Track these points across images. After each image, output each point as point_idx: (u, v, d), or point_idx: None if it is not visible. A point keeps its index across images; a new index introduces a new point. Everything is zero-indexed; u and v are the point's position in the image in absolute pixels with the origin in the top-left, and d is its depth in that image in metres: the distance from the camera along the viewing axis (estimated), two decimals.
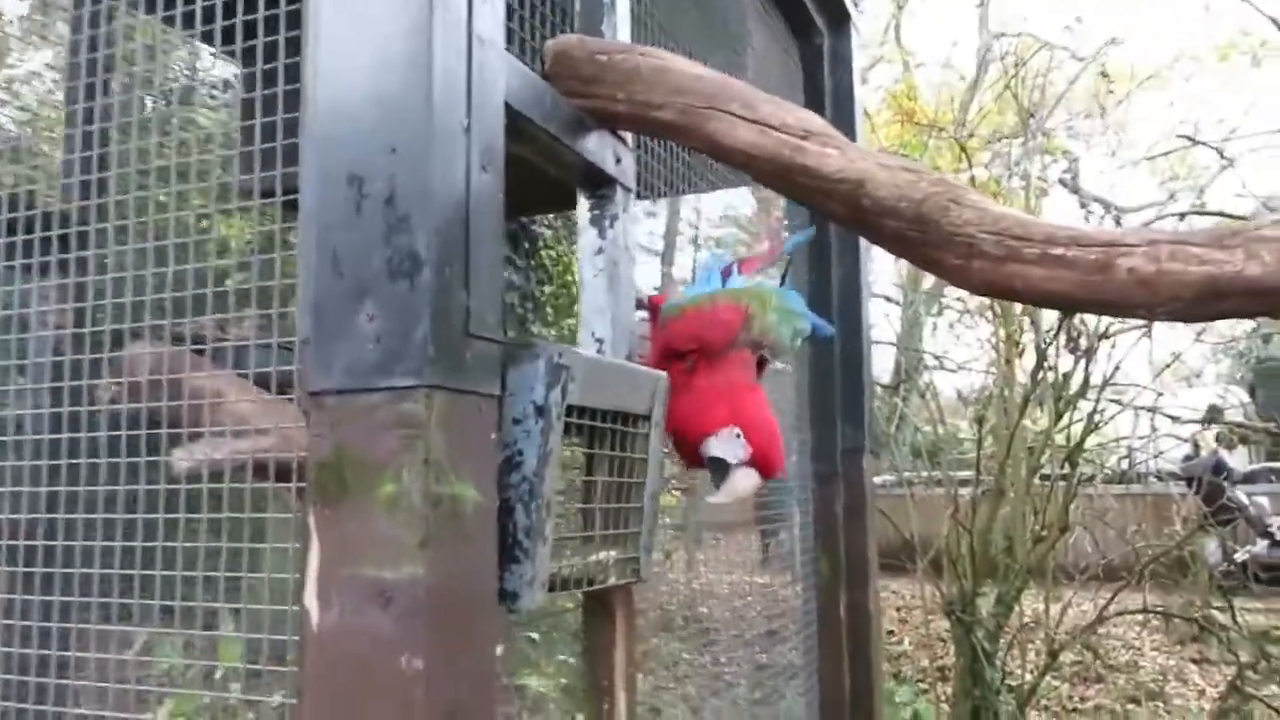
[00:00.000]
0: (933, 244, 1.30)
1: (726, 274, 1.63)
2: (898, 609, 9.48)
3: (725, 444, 1.40)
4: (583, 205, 1.47)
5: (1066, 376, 5.31)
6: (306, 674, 0.89)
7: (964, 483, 5.83)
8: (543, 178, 1.40)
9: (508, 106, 1.12)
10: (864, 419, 2.73)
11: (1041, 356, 5.33)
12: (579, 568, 1.20)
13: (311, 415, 0.92)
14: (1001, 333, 5.43)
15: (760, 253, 1.74)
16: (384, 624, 0.87)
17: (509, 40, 1.33)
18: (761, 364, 1.63)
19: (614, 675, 1.38)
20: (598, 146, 1.40)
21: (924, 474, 6.78)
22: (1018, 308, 5.88)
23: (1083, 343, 5.31)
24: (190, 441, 1.53)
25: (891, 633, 9.26)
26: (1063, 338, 5.36)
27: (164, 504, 1.36)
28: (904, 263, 7.47)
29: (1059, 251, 1.26)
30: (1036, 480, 5.38)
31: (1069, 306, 1.33)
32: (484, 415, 0.97)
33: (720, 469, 1.42)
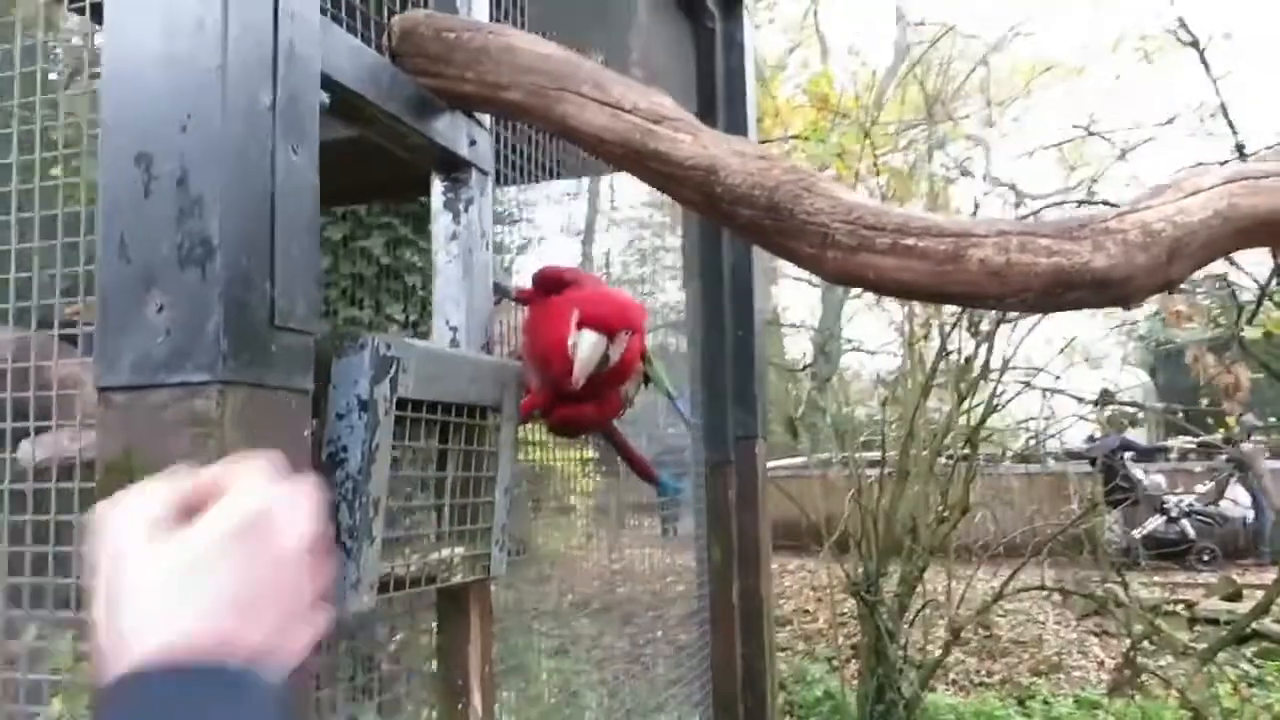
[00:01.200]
0: (787, 233, 1.29)
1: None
2: (814, 588, 9.62)
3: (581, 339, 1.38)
4: (436, 189, 1.41)
5: (969, 360, 5.42)
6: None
7: (874, 464, 5.93)
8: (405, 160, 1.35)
9: (333, 84, 1.06)
10: (756, 404, 2.74)
11: (944, 339, 5.43)
12: (419, 566, 1.16)
13: (99, 413, 0.86)
14: (906, 316, 5.52)
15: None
16: None
17: (350, 15, 1.27)
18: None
19: (469, 675, 1.35)
20: (449, 128, 1.35)
21: (839, 456, 6.87)
22: None
23: (984, 326, 5.43)
24: (40, 434, 1.44)
25: (807, 612, 9.40)
26: (965, 320, 5.47)
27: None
28: None
29: (911, 242, 1.26)
30: (941, 461, 5.50)
31: (922, 297, 1.32)
32: (295, 412, 0.92)
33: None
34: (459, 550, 1.24)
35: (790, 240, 1.29)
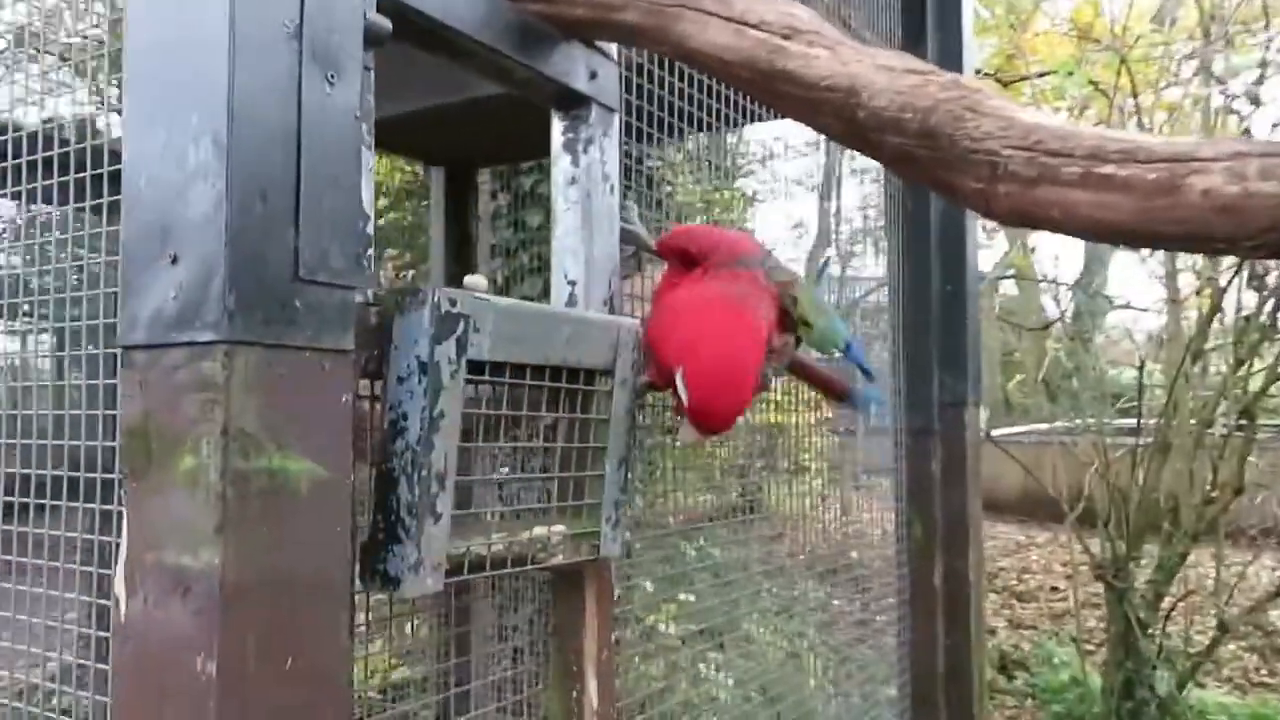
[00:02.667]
0: (946, 164, 1.06)
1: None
2: (1064, 564, 8.91)
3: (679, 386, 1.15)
4: (555, 128, 1.29)
5: (1248, 318, 4.70)
6: (113, 671, 0.79)
7: (1128, 432, 5.30)
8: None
9: (400, 7, 0.95)
10: (967, 368, 2.44)
11: (1218, 295, 4.73)
12: (506, 546, 1.05)
13: (121, 373, 0.80)
14: (1166, 267, 4.86)
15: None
16: (183, 619, 0.75)
17: None
18: (784, 317, 1.38)
19: (583, 660, 1.24)
20: (563, 60, 1.22)
21: (1087, 424, 6.23)
22: None
23: (1270, 280, 4.67)
24: None
25: (1056, 589, 8.72)
26: (1245, 273, 4.74)
27: None
28: None
29: (1109, 170, 0.99)
30: (1212, 434, 4.82)
31: (1124, 240, 1.05)
32: (329, 375, 0.83)
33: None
34: (560, 529, 1.12)
35: (950, 173, 1.06)
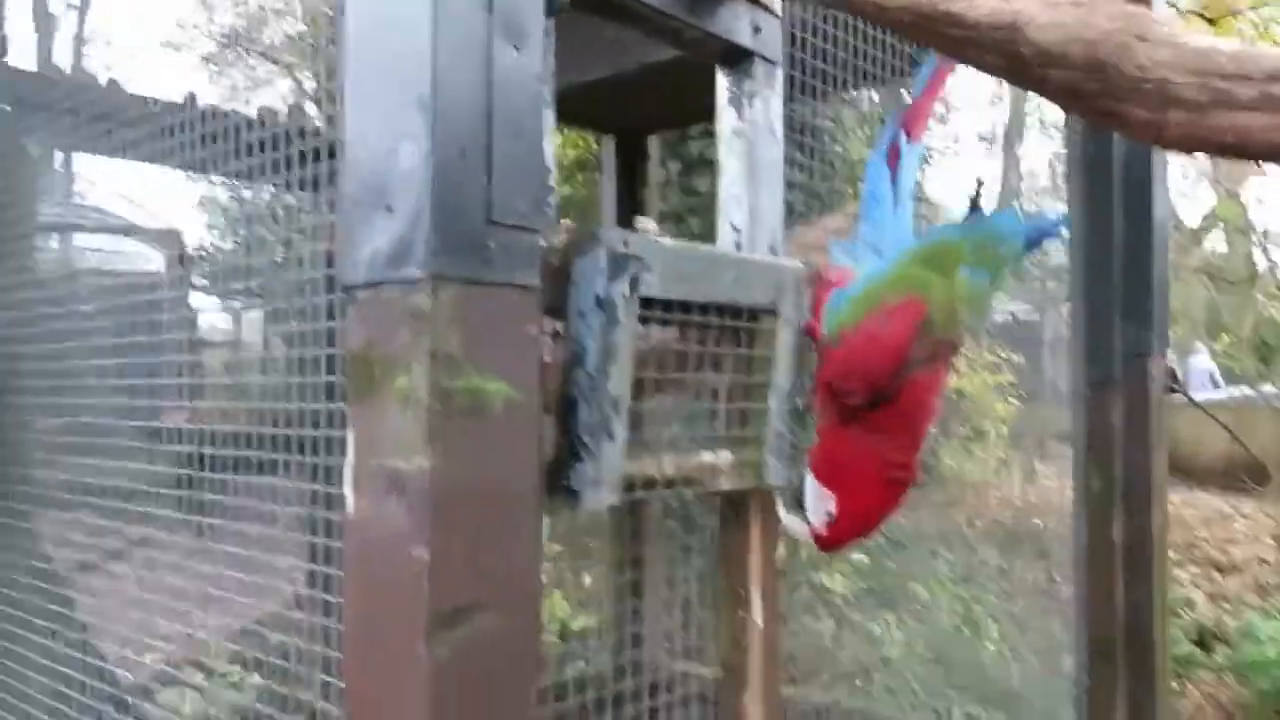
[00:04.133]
0: (1114, 94, 1.05)
1: (894, 158, 1.41)
2: (1273, 536, 8.30)
3: (815, 500, 1.25)
4: (720, 84, 1.35)
5: None
6: (346, 559, 0.93)
7: None
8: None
9: None
10: (1152, 318, 2.34)
11: None
12: (676, 470, 1.14)
13: (348, 310, 0.93)
14: None
15: (923, 93, 1.45)
16: (398, 513, 0.87)
17: None
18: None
19: (748, 583, 1.32)
20: (727, 16, 1.28)
21: None
22: None
23: None
24: None
25: (1265, 561, 8.14)
26: None
27: None
28: None
29: None
30: None
31: None
32: (518, 308, 0.93)
33: (794, 498, 1.28)
34: (726, 456, 1.20)
35: (1119, 103, 1.06)
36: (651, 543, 2.47)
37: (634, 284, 1.03)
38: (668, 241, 1.08)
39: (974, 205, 1.41)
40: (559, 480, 1.03)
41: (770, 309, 1.22)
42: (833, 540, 1.27)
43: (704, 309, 1.14)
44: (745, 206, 1.32)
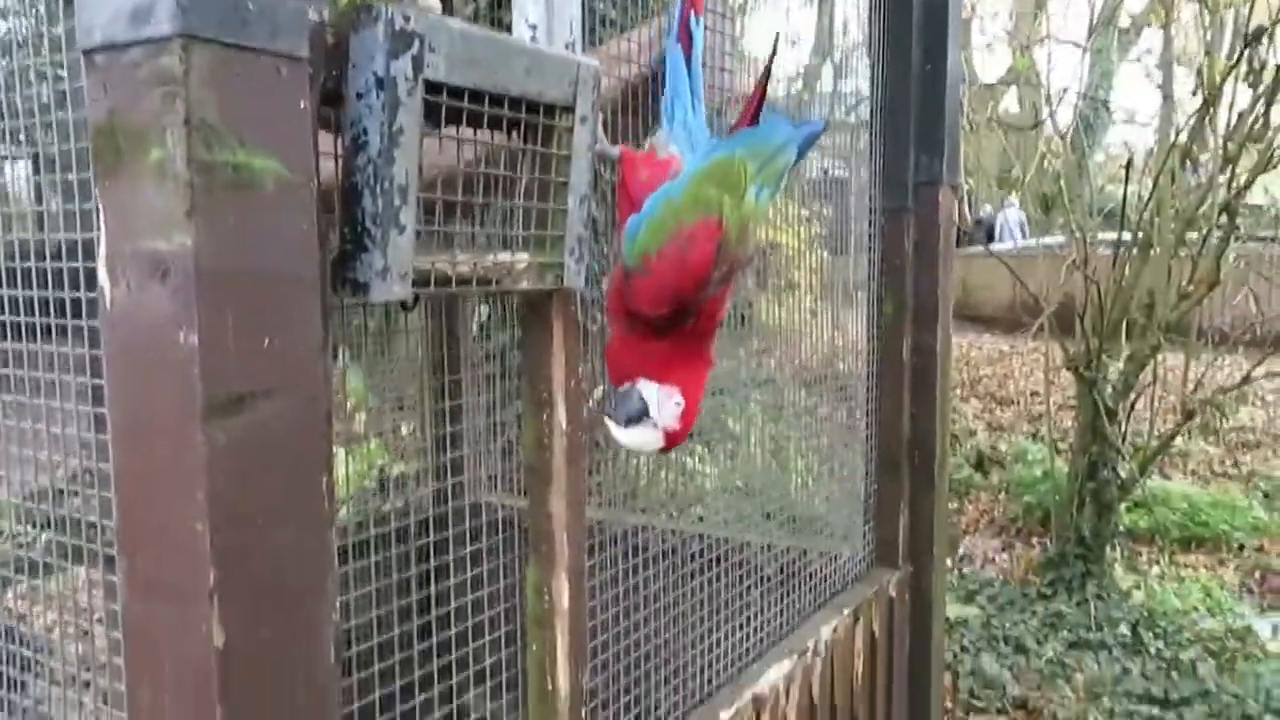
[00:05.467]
0: None
1: (687, 41, 1.44)
2: (1045, 371, 9.17)
3: (661, 401, 1.33)
4: None
5: (1241, 115, 4.65)
6: (107, 356, 0.87)
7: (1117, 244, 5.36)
8: None
9: None
10: (943, 147, 2.46)
11: (1213, 89, 4.67)
12: (471, 267, 1.11)
13: (86, 77, 0.84)
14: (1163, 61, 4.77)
15: None
16: (163, 297, 0.81)
17: None
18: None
19: (552, 387, 1.33)
20: None
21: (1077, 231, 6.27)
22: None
23: (1266, 76, 4.60)
24: None
25: (1036, 394, 8.99)
26: (1243, 68, 4.67)
27: None
28: (1098, 3, 6.58)
29: None
30: (1194, 236, 4.86)
31: None
32: (287, 80, 0.86)
33: (633, 412, 1.34)
34: (524, 256, 1.19)
35: None
36: (468, 373, 2.46)
37: (417, 64, 0.97)
38: (454, 22, 1.02)
39: (756, 115, 1.51)
40: (344, 272, 0.99)
41: (567, 105, 1.19)
42: (682, 434, 1.36)
43: (497, 100, 1.10)
44: (541, 2, 1.26)
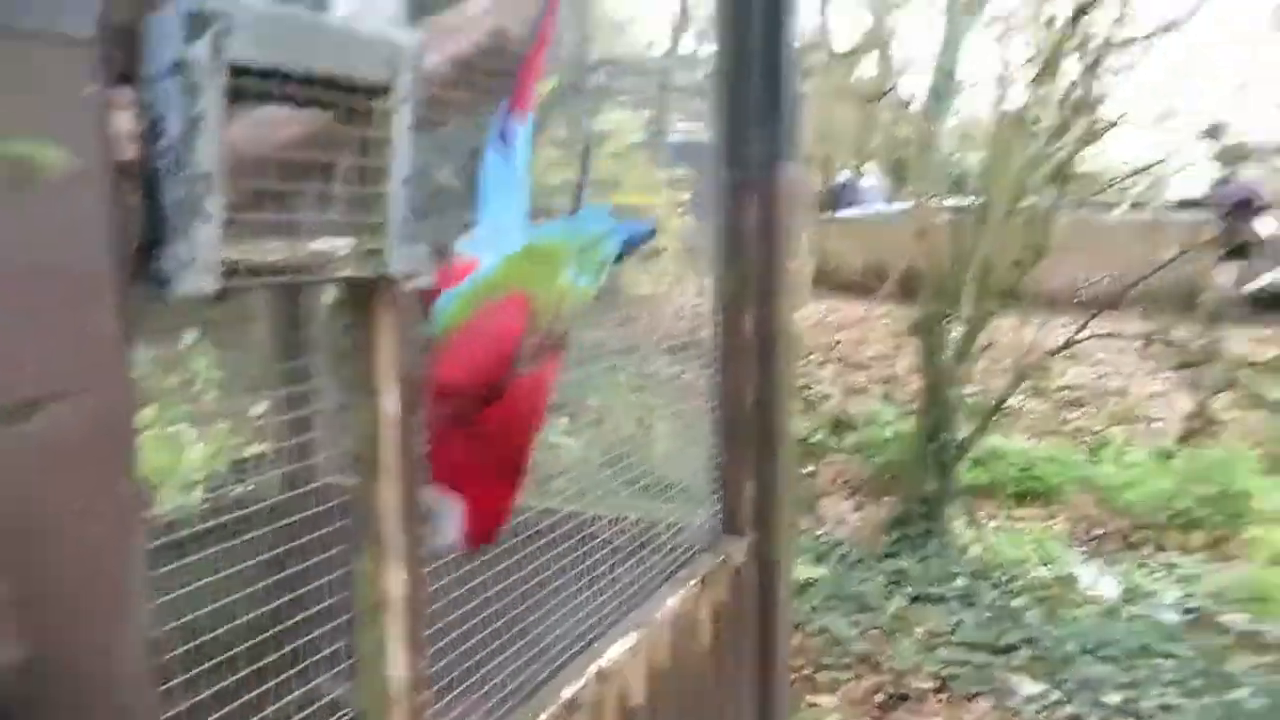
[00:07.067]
0: None
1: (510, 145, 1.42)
2: (896, 335, 9.55)
3: (443, 510, 1.33)
4: None
5: (1074, 83, 4.93)
6: None
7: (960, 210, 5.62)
8: None
9: None
10: (783, 122, 2.52)
11: (1049, 64, 4.93)
12: (286, 256, 1.09)
13: None
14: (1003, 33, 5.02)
15: (521, 70, 1.47)
16: None
17: None
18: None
19: (378, 374, 1.31)
20: None
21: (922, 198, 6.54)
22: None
23: (1090, 47, 4.89)
24: None
25: (888, 357, 9.38)
26: (1075, 41, 4.95)
27: None
28: None
29: None
30: (1027, 205, 5.16)
31: None
32: (65, 66, 0.82)
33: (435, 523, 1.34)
34: (344, 243, 1.17)
35: None
36: (318, 356, 2.40)
37: (217, 45, 0.94)
38: (254, 2, 0.98)
39: (576, 203, 1.51)
40: (146, 265, 0.95)
41: (385, 86, 1.17)
42: (476, 541, 1.35)
43: (309, 81, 1.07)
44: None
